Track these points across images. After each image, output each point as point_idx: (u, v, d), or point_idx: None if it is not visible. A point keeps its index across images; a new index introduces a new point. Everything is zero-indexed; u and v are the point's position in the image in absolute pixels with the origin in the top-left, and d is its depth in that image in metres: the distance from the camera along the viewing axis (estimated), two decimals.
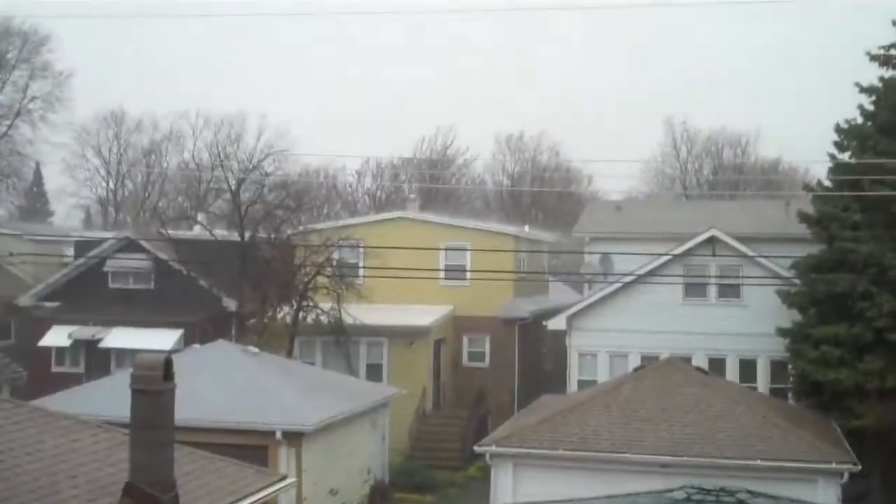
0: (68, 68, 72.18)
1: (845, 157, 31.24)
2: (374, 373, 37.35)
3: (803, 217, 31.86)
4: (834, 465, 22.24)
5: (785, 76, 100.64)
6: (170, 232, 42.88)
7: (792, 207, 37.20)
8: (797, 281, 31.99)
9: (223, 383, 25.97)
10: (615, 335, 35.47)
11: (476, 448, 24.53)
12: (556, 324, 36.95)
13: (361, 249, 38.89)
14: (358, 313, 35.61)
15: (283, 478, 18.79)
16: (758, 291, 33.95)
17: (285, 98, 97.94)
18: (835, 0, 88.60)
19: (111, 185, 79.89)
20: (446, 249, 40.58)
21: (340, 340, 36.33)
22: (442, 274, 39.98)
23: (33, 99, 71.36)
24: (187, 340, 36.73)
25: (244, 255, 37.53)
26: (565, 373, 36.64)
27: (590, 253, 40.26)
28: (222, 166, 48.39)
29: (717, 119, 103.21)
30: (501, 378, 39.87)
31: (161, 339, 36.69)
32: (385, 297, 37.32)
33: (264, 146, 63.74)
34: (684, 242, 35.41)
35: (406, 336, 37.58)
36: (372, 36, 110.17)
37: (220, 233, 42.04)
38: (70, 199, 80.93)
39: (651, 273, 35.21)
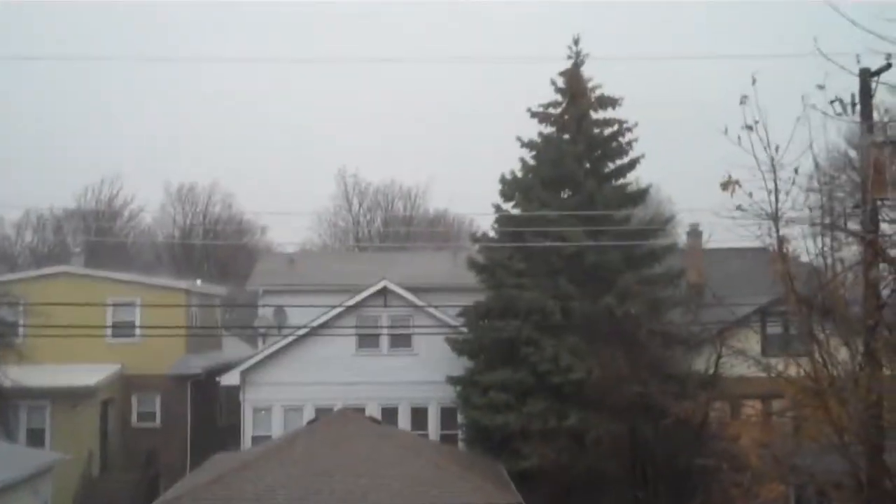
0: None
1: (509, 207, 32.81)
2: (35, 437, 35.36)
3: (471, 264, 33.09)
4: None
5: (453, 131, 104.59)
6: None
7: (459, 258, 38.56)
8: (465, 329, 33.10)
9: None
10: (289, 388, 35.28)
11: None
12: (230, 379, 36.32)
13: (21, 307, 36.76)
14: (18, 374, 33.54)
15: None
16: (428, 340, 34.86)
17: None
18: (500, 63, 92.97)
19: None
20: (114, 305, 39.15)
21: None
22: (109, 331, 38.54)
23: None
24: None
25: None
26: (240, 429, 36.04)
27: (263, 306, 39.98)
28: None
29: (387, 173, 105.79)
30: (173, 437, 38.73)
31: None
32: (49, 355, 35.28)
33: None
34: (357, 294, 35.86)
35: (70, 397, 35.81)
36: (26, 81, 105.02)
37: None
38: None
39: (325, 325, 35.37)
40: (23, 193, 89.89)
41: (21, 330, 36.25)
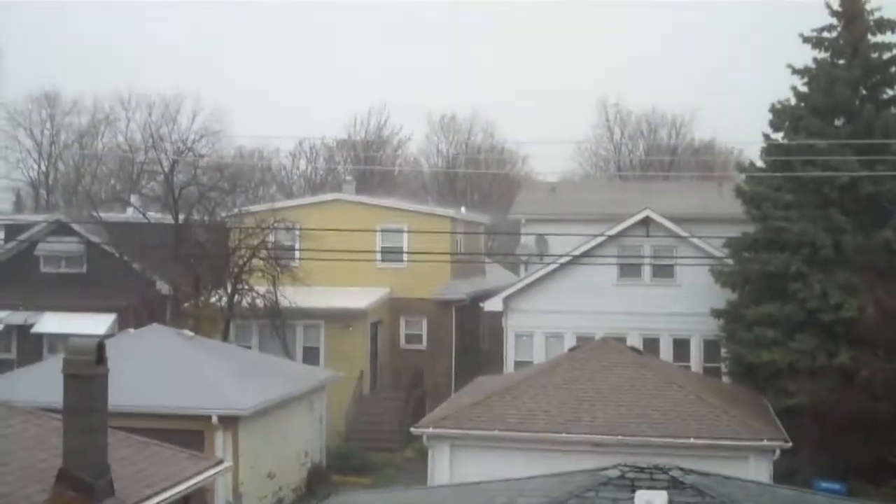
0: None
1: (779, 137, 31.72)
2: (310, 356, 37.20)
3: (738, 193, 32.26)
4: (765, 443, 22.64)
5: (719, 58, 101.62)
6: (102, 215, 42.33)
7: (725, 188, 37.65)
8: (730, 261, 32.39)
9: (157, 368, 25.72)
10: (551, 316, 35.65)
11: (413, 430, 24.59)
12: (493, 305, 37.08)
13: (297, 232, 38.63)
14: (294, 296, 35.45)
15: (220, 462, 18.73)
16: (691, 271, 34.35)
17: (219, 80, 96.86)
18: None
19: (43, 167, 78.46)
20: (383, 231, 40.43)
21: (276, 323, 36.15)
22: (378, 256, 39.91)
23: None
24: (121, 325, 36.33)
25: (178, 238, 37.14)
26: (502, 354, 36.79)
27: (525, 234, 40.40)
28: (155, 148, 47.83)
29: (650, 101, 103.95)
30: (438, 360, 39.92)
31: (94, 324, 36.24)
32: (321, 279, 37.13)
33: (199, 128, 63.11)
34: (619, 223, 35.68)
35: (343, 319, 37.46)
36: (304, 19, 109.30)
37: (154, 215, 41.51)
38: (0, 181, 79.47)
39: (586, 254, 35.41)
40: (297, 124, 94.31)
41: (297, 254, 38.13)
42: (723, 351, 33.05)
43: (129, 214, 44.62)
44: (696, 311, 33.54)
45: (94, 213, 42.16)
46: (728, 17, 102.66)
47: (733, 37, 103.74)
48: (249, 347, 36.16)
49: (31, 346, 38.00)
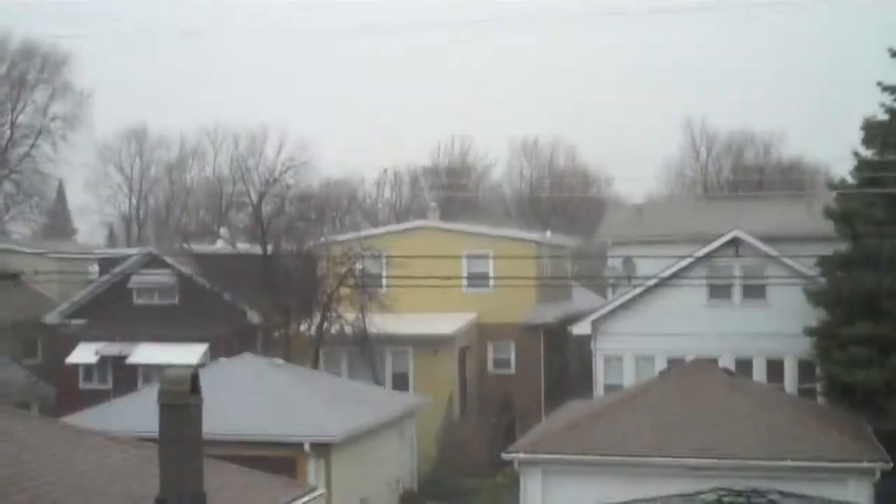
0: (89, 87, 72.81)
1: (870, 154, 31.11)
2: (400, 382, 37.35)
3: (829, 212, 31.71)
4: (865, 464, 22.09)
5: (804, 75, 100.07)
6: (193, 246, 43.06)
7: (814, 206, 37.00)
8: (822, 279, 31.81)
9: (250, 396, 26.02)
10: (640, 338, 35.33)
11: (504, 455, 24.46)
12: (581, 328, 36.85)
13: (384, 259, 38.88)
14: (382, 323, 35.65)
15: (313, 489, 18.85)
16: (782, 291, 33.79)
17: (305, 111, 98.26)
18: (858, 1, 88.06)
19: (134, 201, 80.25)
20: (468, 257, 40.53)
21: (365, 350, 36.37)
22: (465, 281, 39.96)
23: (54, 118, 71.96)
24: (213, 354, 36.86)
25: (267, 268, 37.62)
26: (591, 377, 36.51)
27: (612, 256, 40.12)
28: (244, 179, 48.59)
29: (736, 119, 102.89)
30: (527, 384, 39.76)
31: (187, 354, 36.80)
32: (408, 306, 37.29)
33: (285, 159, 63.82)
34: (707, 244, 35.25)
35: (431, 344, 37.56)
36: (385, 48, 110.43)
37: (243, 246, 42.14)
38: (93, 216, 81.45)
39: (674, 275, 35.06)
40: (381, 152, 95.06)
41: (384, 281, 38.36)
42: (817, 371, 32.41)
43: (219, 246, 45.36)
44: (788, 332, 32.92)
45: (185, 245, 42.91)
46: (813, 33, 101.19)
47: (819, 53, 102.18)
48: (339, 374, 36.43)
49: (126, 377, 38.69)
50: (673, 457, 22.61)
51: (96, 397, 33.12)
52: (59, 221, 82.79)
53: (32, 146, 71.70)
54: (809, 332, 31.54)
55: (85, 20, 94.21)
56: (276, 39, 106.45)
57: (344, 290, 36.62)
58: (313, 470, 24.38)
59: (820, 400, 31.88)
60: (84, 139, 73.73)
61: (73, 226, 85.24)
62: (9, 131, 70.56)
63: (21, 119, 71.23)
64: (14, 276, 30.59)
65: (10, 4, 77.42)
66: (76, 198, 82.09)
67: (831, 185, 34.68)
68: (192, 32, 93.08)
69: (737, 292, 35.51)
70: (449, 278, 34.67)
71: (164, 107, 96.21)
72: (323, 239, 40.37)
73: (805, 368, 33.86)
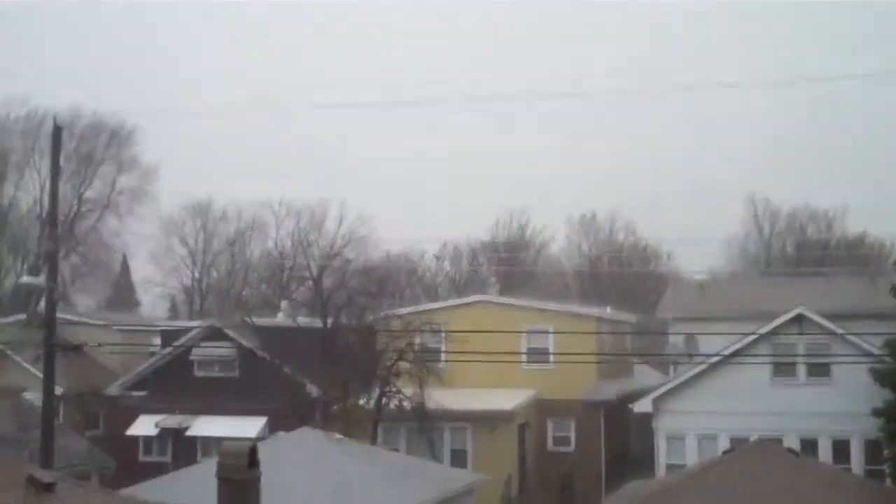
0: (154, 162, 74.21)
1: None
2: (458, 458, 37.05)
3: (893, 290, 31.24)
4: None
5: (867, 152, 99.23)
6: (254, 320, 43.34)
7: (880, 283, 36.48)
8: (888, 359, 31.22)
9: (308, 471, 25.88)
10: (702, 417, 34.82)
11: None
12: (642, 406, 36.39)
13: (443, 334, 38.81)
14: (441, 398, 35.47)
15: None
16: (848, 369, 33.19)
17: (364, 184, 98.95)
18: None
19: (196, 274, 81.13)
20: (528, 332, 40.34)
21: (424, 426, 36.17)
22: (524, 357, 39.71)
23: (121, 192, 73.41)
24: (272, 428, 36.85)
25: (327, 342, 37.71)
26: (652, 456, 35.98)
27: (674, 333, 39.76)
28: (304, 253, 49.01)
29: (799, 195, 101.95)
30: (587, 462, 39.25)
31: (246, 427, 36.89)
32: (467, 381, 37.13)
33: (346, 232, 64.41)
34: (770, 321, 34.82)
35: (489, 420, 37.27)
36: (441, 121, 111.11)
37: (303, 320, 42.34)
38: (156, 288, 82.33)
39: (737, 353, 34.62)
40: (440, 227, 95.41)
41: (443, 356, 38.27)
42: (885, 452, 31.69)
43: (280, 319, 45.59)
44: (854, 411, 32.33)
45: (246, 319, 43.19)
46: (873, 102, 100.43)
47: (882, 130, 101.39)
48: (397, 450, 36.19)
49: (185, 449, 38.82)
50: None
51: (156, 469, 33.22)
52: (122, 293, 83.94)
53: (98, 219, 73.11)
54: (877, 412, 30.92)
55: (153, 97, 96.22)
56: (340, 116, 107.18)
57: (403, 365, 36.55)
58: None
59: (888, 482, 31.12)
60: (149, 212, 75.07)
61: (137, 298, 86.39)
62: (76, 205, 71.99)
63: (88, 193, 72.77)
64: (77, 347, 31.15)
65: (82, 80, 79.49)
66: (140, 270, 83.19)
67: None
68: (260, 110, 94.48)
69: (801, 370, 35.00)
70: (508, 353, 34.52)
71: (229, 180, 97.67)
72: (383, 313, 40.44)
73: (872, 449, 33.13)
